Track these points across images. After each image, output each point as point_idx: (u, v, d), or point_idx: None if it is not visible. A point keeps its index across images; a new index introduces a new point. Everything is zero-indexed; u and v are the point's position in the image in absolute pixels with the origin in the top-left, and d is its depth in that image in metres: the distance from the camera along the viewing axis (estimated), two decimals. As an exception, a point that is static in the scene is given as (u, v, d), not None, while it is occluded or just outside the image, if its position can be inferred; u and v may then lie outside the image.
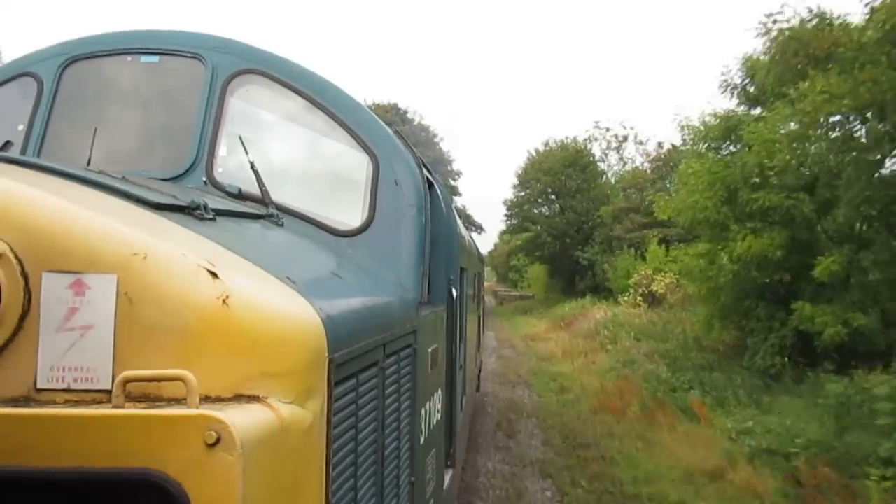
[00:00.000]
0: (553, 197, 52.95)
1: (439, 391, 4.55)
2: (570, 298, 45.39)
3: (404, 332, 3.18)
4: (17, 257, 1.60)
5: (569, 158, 50.99)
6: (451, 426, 5.56)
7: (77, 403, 1.59)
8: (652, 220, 36.86)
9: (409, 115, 59.99)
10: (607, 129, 57.31)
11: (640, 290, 31.89)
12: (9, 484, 1.50)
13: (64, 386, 1.61)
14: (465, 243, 8.02)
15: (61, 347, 1.61)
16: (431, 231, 3.98)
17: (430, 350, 3.96)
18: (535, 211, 54.09)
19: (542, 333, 33.47)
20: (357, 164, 3.68)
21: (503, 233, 57.42)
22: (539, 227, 51.94)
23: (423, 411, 3.74)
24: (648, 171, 46.03)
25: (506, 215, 56.52)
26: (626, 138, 56.90)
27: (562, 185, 51.05)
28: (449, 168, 62.04)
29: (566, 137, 54.65)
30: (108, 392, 1.59)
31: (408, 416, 3.26)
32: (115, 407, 1.52)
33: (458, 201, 60.03)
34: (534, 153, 55.18)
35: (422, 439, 3.72)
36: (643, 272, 32.87)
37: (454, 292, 5.25)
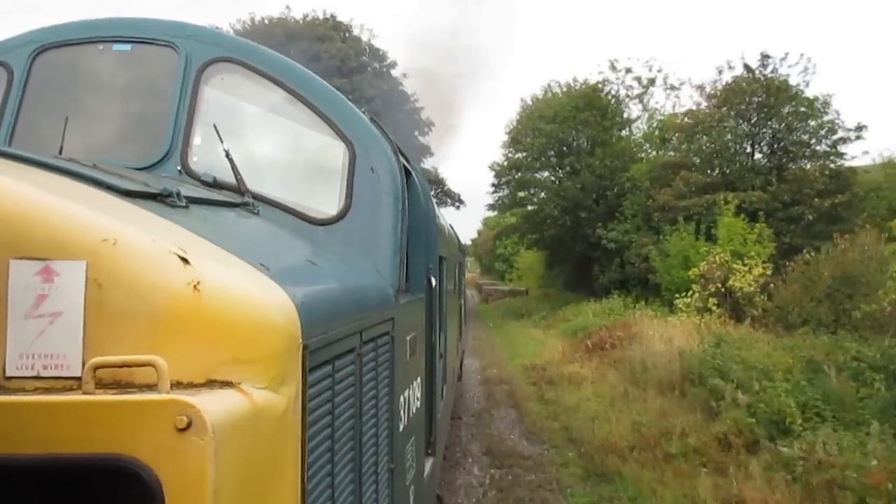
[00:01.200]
0: (561, 153, 38.90)
1: (418, 379, 4.56)
2: (581, 296, 33.83)
3: (381, 320, 3.18)
4: None
5: (581, 100, 37.53)
6: (432, 414, 5.58)
7: (47, 391, 1.58)
8: (721, 179, 28.41)
9: (355, 32, 47.16)
10: (627, 71, 40.59)
11: (711, 288, 20.64)
12: None
13: (34, 373, 1.59)
14: (444, 232, 8.03)
15: (30, 335, 1.59)
16: (409, 219, 3.98)
17: (408, 338, 3.96)
18: (535, 176, 40.52)
19: (556, 361, 18.86)
20: (333, 152, 3.67)
21: (490, 207, 44.57)
22: (542, 197, 38.97)
23: (401, 399, 3.75)
24: (708, 108, 31.40)
25: (493, 185, 42.26)
26: (652, 82, 40.64)
27: (572, 138, 38.07)
28: (416, 117, 50.29)
29: (573, 80, 40.38)
30: (79, 379, 1.58)
31: (386, 404, 3.27)
32: (85, 393, 1.51)
33: (430, 162, 51.69)
34: (529, 102, 41.98)
35: (401, 427, 3.74)
36: (715, 257, 21.48)
37: (433, 281, 5.26)
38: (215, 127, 3.36)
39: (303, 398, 1.98)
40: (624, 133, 39.99)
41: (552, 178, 40.05)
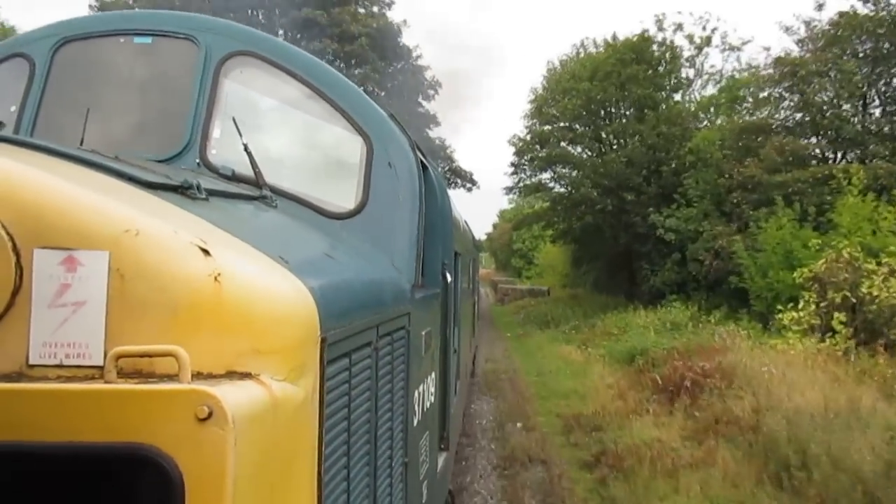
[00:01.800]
0: (598, 121, 31.42)
1: (433, 374, 4.57)
2: (619, 301, 28.47)
3: (398, 314, 3.19)
4: (8, 234, 1.60)
5: (628, 53, 29.79)
6: (445, 409, 5.59)
7: (69, 379, 1.60)
8: (829, 145, 22.28)
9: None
10: (677, 28, 32.03)
11: (835, 297, 14.07)
12: (0, 459, 1.50)
13: (56, 362, 1.61)
14: (459, 227, 8.03)
15: (53, 323, 1.61)
16: (425, 214, 3.98)
17: (423, 333, 3.97)
18: (567, 149, 32.24)
19: (614, 409, 12.45)
20: (351, 146, 3.68)
21: (508, 191, 37.10)
22: (574, 176, 30.92)
23: (416, 393, 3.76)
24: (805, 54, 24.04)
25: (512, 166, 34.76)
26: (707, 41, 31.98)
27: (616, 99, 30.20)
28: (420, 77, 40.21)
29: (612, 38, 31.95)
30: (101, 368, 1.59)
31: (401, 398, 3.28)
32: (106, 382, 1.52)
33: (437, 132, 42.15)
34: (557, 65, 34.47)
35: (415, 421, 3.74)
36: (842, 252, 14.77)
37: (448, 277, 5.27)
38: (234, 120, 3.38)
39: (321, 390, 1.99)
40: (679, 98, 32.14)
41: (588, 151, 32.58)
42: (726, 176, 23.90)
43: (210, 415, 1.43)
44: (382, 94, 34.17)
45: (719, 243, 22.19)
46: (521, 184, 35.87)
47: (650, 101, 30.03)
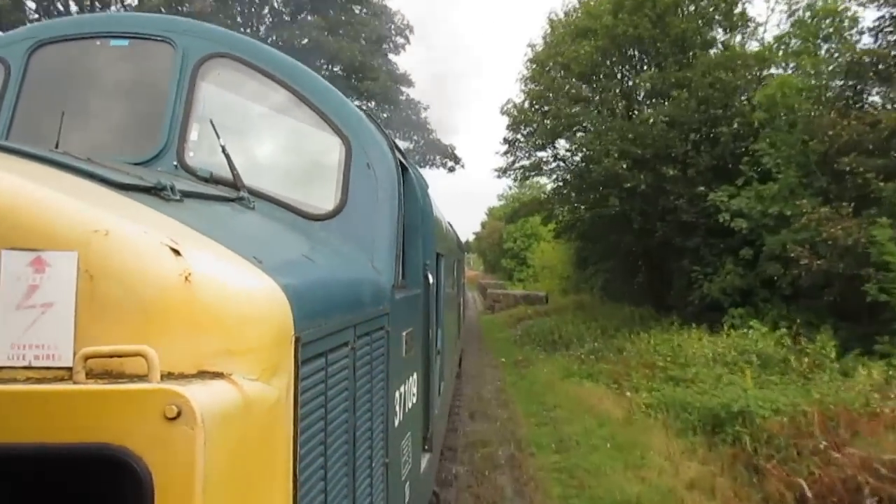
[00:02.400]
0: (628, 68, 23.68)
1: (415, 375, 4.57)
2: (647, 312, 22.40)
3: (377, 315, 3.19)
4: None
5: None
6: (428, 410, 5.59)
7: (38, 381, 1.59)
8: None
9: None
10: None
11: None
12: None
13: (25, 363, 1.60)
14: (442, 229, 8.04)
15: (22, 325, 1.60)
16: (405, 215, 3.99)
17: (404, 333, 3.97)
18: (581, 111, 23.77)
19: None
20: (329, 147, 3.68)
21: (501, 174, 29.62)
22: (594, 143, 22.12)
23: (397, 394, 3.76)
24: None
25: (505, 142, 27.69)
26: None
27: (651, 38, 21.57)
28: (385, 18, 32.82)
29: None
30: (70, 369, 1.59)
31: (381, 398, 3.28)
32: (75, 383, 1.52)
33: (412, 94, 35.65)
34: (560, 15, 26.71)
35: (396, 422, 3.74)
36: None
37: (430, 277, 5.27)
38: (212, 122, 3.37)
39: (295, 390, 1.98)
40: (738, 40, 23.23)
41: (610, 111, 23.73)
42: (826, 135, 15.86)
43: (179, 414, 1.43)
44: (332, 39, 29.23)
45: (830, 230, 14.32)
46: (517, 164, 28.35)
47: (698, 38, 21.85)
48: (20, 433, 1.46)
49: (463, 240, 27.81)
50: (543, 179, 34.15)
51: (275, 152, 3.83)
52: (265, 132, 3.85)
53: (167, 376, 1.60)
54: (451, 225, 12.38)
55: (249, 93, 3.80)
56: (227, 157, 3.27)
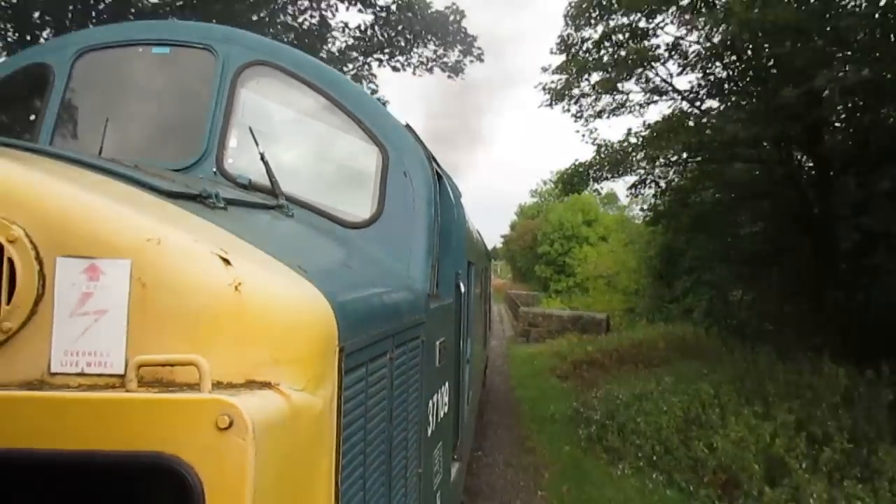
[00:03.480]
0: None
1: (446, 384, 4.56)
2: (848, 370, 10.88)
3: (413, 324, 3.19)
4: (31, 242, 1.62)
5: None
6: (458, 420, 5.57)
7: (90, 387, 1.60)
8: None
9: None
10: None
11: None
12: (23, 466, 1.51)
13: (77, 370, 1.62)
14: (472, 238, 8.03)
15: (75, 332, 1.62)
16: (440, 224, 3.98)
17: (437, 343, 3.96)
18: None
19: None
20: (366, 155, 3.69)
21: (554, 97, 17.72)
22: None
23: (430, 404, 3.75)
24: None
25: (562, 45, 17.73)
26: None
27: None
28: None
29: None
30: (121, 377, 1.60)
31: (416, 408, 3.27)
32: (128, 391, 1.53)
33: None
34: None
35: (429, 432, 3.73)
36: None
37: (462, 286, 5.26)
38: (251, 129, 3.39)
39: (338, 400, 1.98)
40: None
41: None
42: None
43: (231, 424, 1.43)
44: None
45: None
46: (573, 86, 17.83)
47: None
48: (72, 440, 1.47)
49: (489, 244, 24.68)
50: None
51: (312, 160, 3.85)
52: (303, 140, 3.87)
53: (216, 385, 1.61)
54: (479, 232, 12.37)
55: (288, 100, 3.82)
56: (266, 164, 3.29)
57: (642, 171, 18.82)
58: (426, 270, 3.60)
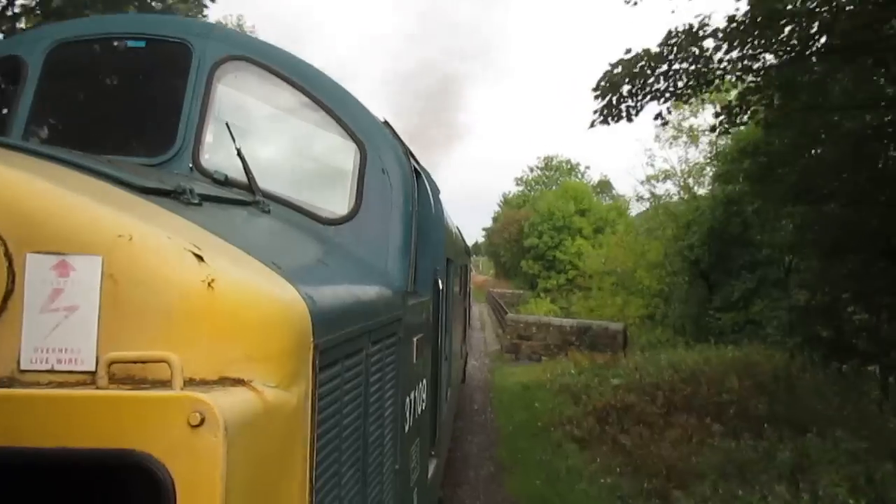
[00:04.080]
0: None
1: (424, 381, 4.56)
2: None
3: (390, 321, 3.19)
4: (0, 238, 1.60)
5: None
6: (436, 416, 5.58)
7: (61, 384, 1.59)
8: None
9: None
10: None
11: None
12: None
13: (48, 367, 1.60)
14: (451, 235, 8.04)
15: (45, 328, 1.60)
16: (418, 221, 3.99)
17: (415, 339, 3.97)
18: None
19: None
20: (344, 152, 3.68)
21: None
22: None
23: (407, 400, 3.76)
24: None
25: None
26: None
27: None
28: None
29: None
30: (93, 374, 1.59)
31: (392, 405, 3.27)
32: (99, 388, 1.52)
33: None
34: None
35: (406, 428, 3.74)
36: None
37: (440, 283, 5.27)
38: (227, 125, 3.37)
39: (312, 397, 1.98)
40: None
41: None
42: None
43: (202, 421, 1.43)
44: None
45: None
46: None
47: None
48: (43, 437, 1.46)
49: (469, 240, 22.97)
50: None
51: (290, 156, 3.83)
52: (280, 135, 3.85)
53: (188, 382, 1.60)
54: (458, 229, 12.39)
55: (265, 96, 3.80)
56: (243, 160, 3.27)
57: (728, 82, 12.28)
58: (404, 267, 3.61)
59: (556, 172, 60.03)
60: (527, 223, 55.84)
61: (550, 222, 52.84)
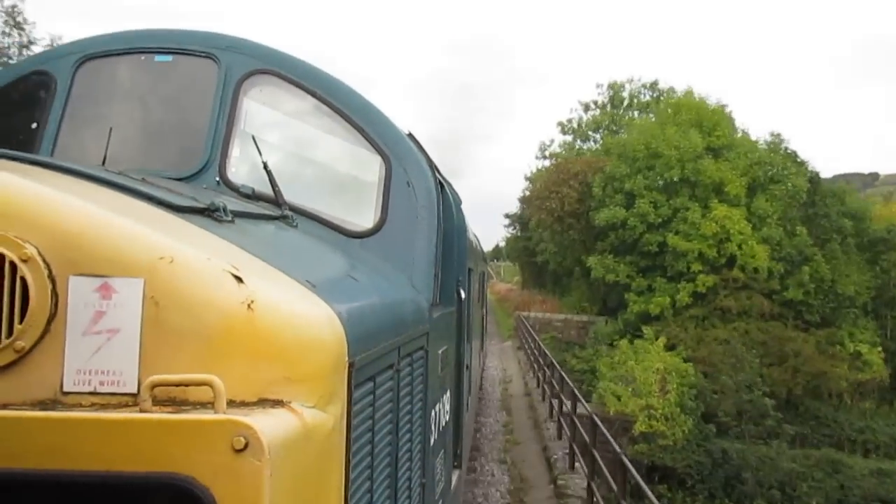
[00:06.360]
0: None
1: (448, 392, 4.56)
2: None
3: (418, 335, 3.19)
4: (44, 261, 1.61)
5: None
6: (458, 427, 5.57)
7: (103, 407, 1.60)
8: None
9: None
10: None
11: None
12: (36, 486, 1.50)
13: (90, 389, 1.61)
14: (471, 243, 8.04)
15: (88, 350, 1.61)
16: (442, 233, 3.99)
17: (440, 352, 3.97)
18: None
19: None
20: (369, 165, 3.69)
21: None
22: None
23: (433, 412, 3.75)
24: None
25: None
26: None
27: None
28: None
29: None
30: (134, 395, 1.60)
31: (420, 418, 3.27)
32: (142, 411, 1.52)
33: None
34: None
35: (432, 441, 3.74)
36: None
37: (462, 293, 5.26)
38: (254, 138, 3.39)
39: (347, 416, 1.98)
40: None
41: None
42: None
43: (246, 446, 1.43)
44: None
45: None
46: None
47: None
48: (85, 459, 1.46)
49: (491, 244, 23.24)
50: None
51: (315, 169, 3.85)
52: (306, 149, 3.87)
53: (229, 404, 1.60)
54: (476, 237, 12.38)
55: (291, 109, 3.82)
56: (269, 173, 3.29)
57: None
58: (429, 280, 3.60)
59: (629, 108, 37.98)
60: (599, 181, 31.65)
61: (656, 172, 28.96)
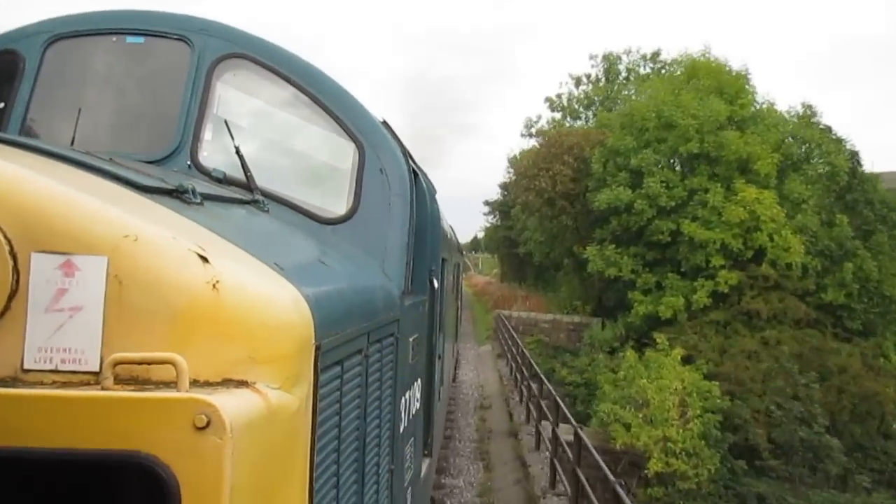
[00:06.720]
0: None
1: (419, 381, 4.57)
2: None
3: (388, 321, 3.20)
4: (6, 237, 1.59)
5: None
6: (429, 416, 5.59)
7: (64, 385, 1.59)
8: None
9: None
10: None
11: None
12: None
13: (51, 367, 1.60)
14: (445, 234, 8.05)
15: (49, 328, 1.60)
16: (415, 221, 3.99)
17: (411, 340, 3.98)
18: None
19: None
20: (343, 152, 3.68)
21: None
22: None
23: (403, 400, 3.77)
24: None
25: None
26: None
27: None
28: None
29: None
30: (96, 374, 1.59)
31: (389, 405, 3.28)
32: (103, 389, 1.52)
33: None
34: None
35: (402, 428, 3.75)
36: None
37: (435, 283, 5.27)
38: (226, 122, 3.37)
39: (314, 398, 1.99)
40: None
41: None
42: None
43: (208, 423, 1.43)
44: None
45: None
46: None
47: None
48: (46, 438, 1.45)
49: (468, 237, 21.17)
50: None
51: (288, 155, 3.83)
52: (279, 134, 3.85)
53: (192, 383, 1.60)
54: (452, 228, 12.39)
55: (264, 94, 3.79)
56: (241, 158, 3.27)
57: None
58: (401, 267, 3.61)
59: (626, 82, 33.82)
60: (597, 155, 27.49)
61: (665, 150, 24.75)
